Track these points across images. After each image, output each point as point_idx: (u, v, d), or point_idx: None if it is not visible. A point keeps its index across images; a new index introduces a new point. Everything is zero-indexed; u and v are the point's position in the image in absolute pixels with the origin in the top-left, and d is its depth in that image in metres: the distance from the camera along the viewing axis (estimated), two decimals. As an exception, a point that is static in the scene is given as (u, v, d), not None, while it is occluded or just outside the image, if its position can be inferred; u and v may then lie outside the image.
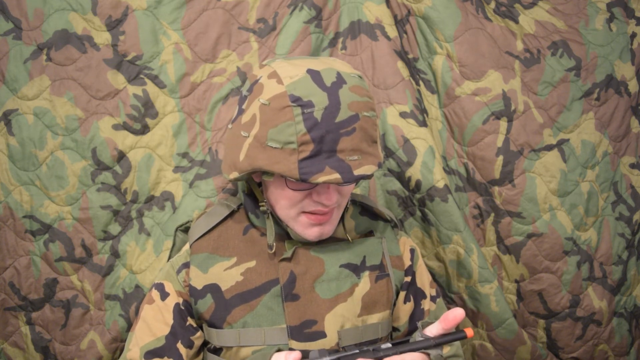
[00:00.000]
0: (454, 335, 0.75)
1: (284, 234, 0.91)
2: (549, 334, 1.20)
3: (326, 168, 0.76)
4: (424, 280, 1.00)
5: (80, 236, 1.09)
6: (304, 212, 0.85)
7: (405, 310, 0.97)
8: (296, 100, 0.76)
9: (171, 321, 0.88)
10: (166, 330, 0.87)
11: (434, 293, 1.01)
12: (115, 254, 1.10)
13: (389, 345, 0.76)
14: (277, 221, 0.90)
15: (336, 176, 0.76)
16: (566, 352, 1.21)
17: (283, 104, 0.76)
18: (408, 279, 0.97)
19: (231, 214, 0.95)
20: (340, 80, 0.78)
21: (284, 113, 0.76)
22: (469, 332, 0.74)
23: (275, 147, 0.77)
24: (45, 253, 1.08)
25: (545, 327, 1.20)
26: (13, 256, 1.09)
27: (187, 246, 0.94)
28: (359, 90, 0.79)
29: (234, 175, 0.85)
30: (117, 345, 1.08)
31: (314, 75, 0.78)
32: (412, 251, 1.00)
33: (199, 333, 0.90)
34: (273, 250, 0.87)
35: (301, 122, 0.75)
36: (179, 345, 0.87)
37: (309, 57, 0.86)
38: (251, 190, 0.95)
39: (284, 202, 0.84)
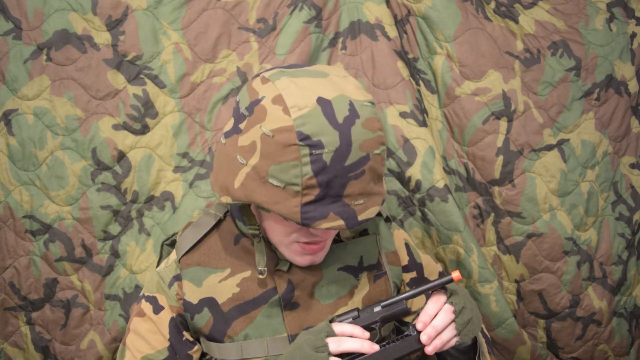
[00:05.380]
0: (439, 280, 0.78)
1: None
2: (549, 334, 1.20)
3: (330, 214, 0.71)
4: (430, 269, 1.00)
5: (80, 236, 1.09)
6: (297, 242, 0.80)
7: (418, 305, 0.96)
8: (304, 139, 0.68)
9: (168, 335, 0.85)
10: (166, 343, 0.85)
11: (440, 269, 1.02)
12: (115, 254, 1.10)
13: (379, 307, 0.79)
14: (267, 242, 0.85)
15: (340, 223, 0.72)
16: (566, 352, 1.21)
17: (289, 140, 0.68)
18: (413, 274, 0.96)
19: (218, 223, 0.89)
20: (352, 114, 0.70)
21: (290, 151, 0.68)
22: (456, 274, 0.76)
23: (276, 185, 0.70)
24: (45, 253, 1.08)
25: (545, 327, 1.20)
26: (13, 256, 1.09)
27: (173, 255, 0.89)
28: (371, 124, 0.72)
29: (227, 199, 0.77)
30: (117, 345, 1.08)
31: (325, 107, 0.69)
32: (407, 245, 0.98)
33: (196, 347, 0.88)
34: (264, 276, 0.82)
35: (308, 164, 0.68)
36: None
37: (317, 71, 0.76)
38: None
39: (278, 230, 0.79)
